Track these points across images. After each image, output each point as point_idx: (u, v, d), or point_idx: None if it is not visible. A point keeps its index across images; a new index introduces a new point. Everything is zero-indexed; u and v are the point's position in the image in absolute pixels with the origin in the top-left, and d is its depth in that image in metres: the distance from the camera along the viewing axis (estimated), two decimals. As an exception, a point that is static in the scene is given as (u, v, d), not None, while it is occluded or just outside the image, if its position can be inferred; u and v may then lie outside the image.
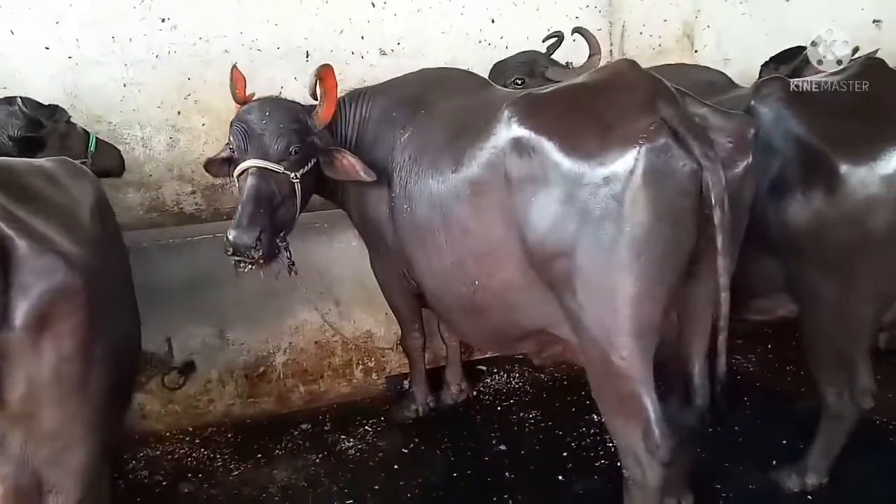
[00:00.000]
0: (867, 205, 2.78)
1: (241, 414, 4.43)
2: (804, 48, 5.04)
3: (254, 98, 3.51)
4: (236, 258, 3.17)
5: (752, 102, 3.05)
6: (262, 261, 3.19)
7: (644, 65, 4.89)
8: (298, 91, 3.80)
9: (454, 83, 3.64)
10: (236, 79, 3.52)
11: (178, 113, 4.89)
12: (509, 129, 2.73)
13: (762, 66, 5.22)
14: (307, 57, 4.99)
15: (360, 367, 4.65)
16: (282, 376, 4.49)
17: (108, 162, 4.19)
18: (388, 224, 3.48)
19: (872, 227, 2.80)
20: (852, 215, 2.82)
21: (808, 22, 5.88)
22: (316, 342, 4.52)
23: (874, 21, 6.21)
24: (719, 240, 2.47)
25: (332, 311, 4.44)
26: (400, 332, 4.21)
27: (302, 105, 3.47)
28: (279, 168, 3.25)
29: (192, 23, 4.79)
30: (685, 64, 4.51)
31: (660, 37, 5.61)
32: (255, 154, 3.26)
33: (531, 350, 3.27)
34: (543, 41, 4.59)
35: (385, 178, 3.40)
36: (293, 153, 3.29)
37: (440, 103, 3.43)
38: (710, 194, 2.43)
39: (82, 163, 3.85)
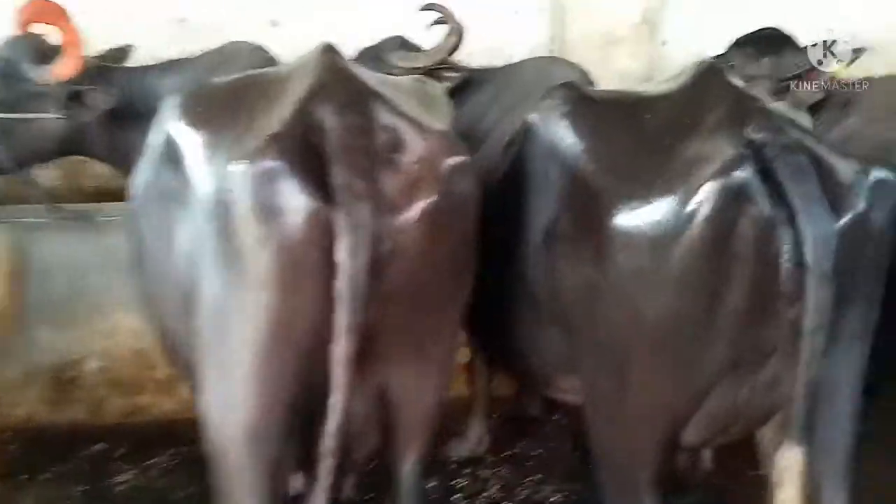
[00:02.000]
0: (637, 277, 1.93)
1: (48, 420, 3.95)
2: (779, 32, 4.01)
3: None
4: None
5: (531, 118, 2.22)
6: None
7: (590, 58, 4.25)
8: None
9: (241, 61, 3.07)
10: None
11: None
12: (165, 127, 2.12)
13: (731, 46, 4.06)
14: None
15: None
16: (94, 385, 4.01)
17: None
18: None
19: (645, 311, 1.95)
20: (623, 289, 1.98)
21: (812, 15, 4.79)
22: (136, 350, 4.00)
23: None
24: (343, 310, 1.71)
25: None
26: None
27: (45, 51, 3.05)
28: None
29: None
30: (554, 58, 3.65)
31: (610, 23, 4.66)
32: None
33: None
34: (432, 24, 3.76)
35: None
36: None
37: None
38: (340, 243, 1.70)
39: None
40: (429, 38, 3.50)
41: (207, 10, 4.55)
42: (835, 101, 3.70)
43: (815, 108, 3.67)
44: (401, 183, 1.81)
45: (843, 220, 1.82)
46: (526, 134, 2.24)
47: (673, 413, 2.07)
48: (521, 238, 2.27)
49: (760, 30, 3.95)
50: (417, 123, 1.91)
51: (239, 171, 1.69)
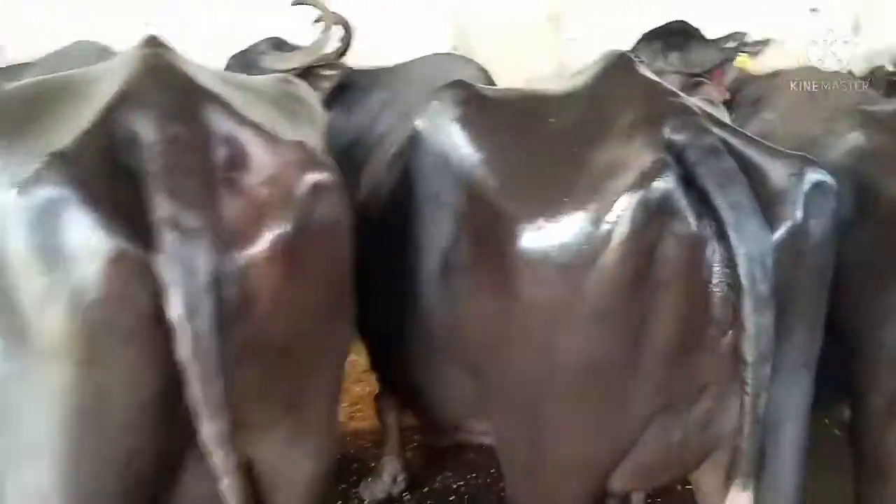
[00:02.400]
0: (548, 309, 1.62)
1: None
2: (687, 25, 3.80)
3: None
4: None
5: (418, 125, 1.88)
6: None
7: (496, 57, 3.95)
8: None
9: (87, 63, 2.63)
10: None
11: None
12: None
13: (638, 40, 3.83)
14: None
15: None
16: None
17: None
18: None
19: (558, 348, 1.64)
20: (531, 323, 1.66)
21: (728, 9, 4.69)
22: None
23: (811, 10, 4.96)
24: (196, 383, 1.34)
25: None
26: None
27: None
28: None
29: None
30: (451, 55, 3.37)
31: (516, 21, 4.40)
32: None
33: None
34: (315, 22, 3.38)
35: None
36: None
37: None
38: (170, 297, 1.31)
39: None
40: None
41: (75, 9, 4.08)
42: (746, 97, 3.55)
43: (725, 105, 3.52)
44: (246, 209, 1.42)
45: (779, 233, 1.56)
46: (413, 143, 1.89)
47: (597, 462, 1.77)
48: (415, 267, 1.93)
49: (667, 24, 3.75)
50: (267, 133, 1.52)
51: (10, 203, 1.27)
